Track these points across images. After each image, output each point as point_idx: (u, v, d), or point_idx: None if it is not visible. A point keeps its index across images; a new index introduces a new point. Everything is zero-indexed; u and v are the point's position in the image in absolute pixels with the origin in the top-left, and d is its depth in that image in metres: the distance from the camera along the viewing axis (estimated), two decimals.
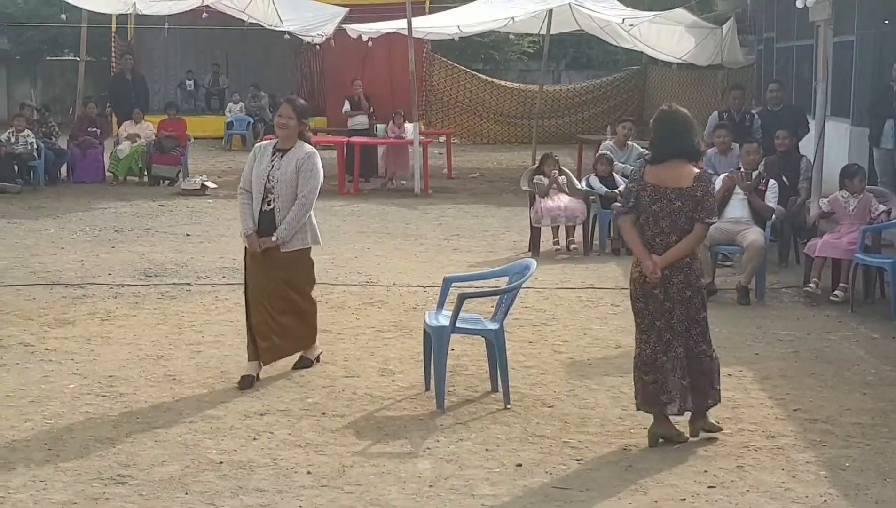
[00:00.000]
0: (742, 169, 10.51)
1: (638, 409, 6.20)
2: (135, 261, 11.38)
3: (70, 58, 31.40)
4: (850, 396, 7.05)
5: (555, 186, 12.27)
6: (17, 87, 31.99)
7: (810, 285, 9.80)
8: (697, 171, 6.09)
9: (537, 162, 12.84)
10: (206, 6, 19.36)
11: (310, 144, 7.42)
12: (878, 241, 10.14)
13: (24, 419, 6.42)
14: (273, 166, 7.22)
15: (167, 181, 17.98)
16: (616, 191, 12.38)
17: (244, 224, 7.25)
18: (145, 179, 18.14)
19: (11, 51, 32.60)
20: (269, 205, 7.21)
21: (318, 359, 7.59)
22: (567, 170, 12.74)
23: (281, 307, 7.26)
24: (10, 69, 32.75)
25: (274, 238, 7.17)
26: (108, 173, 18.24)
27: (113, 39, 26.16)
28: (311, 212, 7.33)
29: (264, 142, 7.49)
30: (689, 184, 5.99)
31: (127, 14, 22.92)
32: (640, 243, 6.05)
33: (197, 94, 28.90)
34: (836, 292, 9.71)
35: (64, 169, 18.23)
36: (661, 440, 6.06)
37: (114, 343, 8.16)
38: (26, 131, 17.28)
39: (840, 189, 10.19)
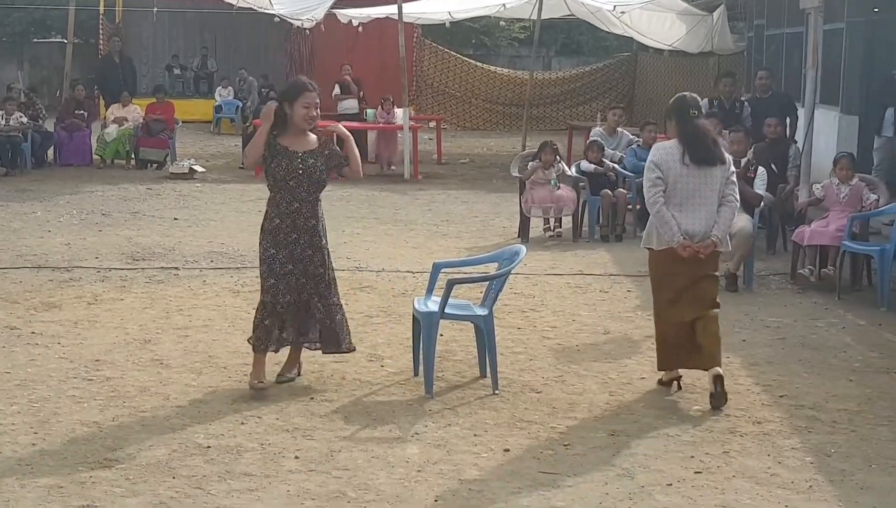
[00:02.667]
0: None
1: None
2: (122, 245, 11.35)
3: (57, 40, 31.22)
4: (836, 382, 7.08)
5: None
6: (3, 69, 31.78)
7: (805, 270, 9.82)
8: None
9: (532, 148, 12.81)
10: None
11: None
12: (866, 229, 10.16)
13: (10, 402, 6.40)
14: None
15: (155, 165, 17.92)
16: (611, 166, 12.49)
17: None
18: (133, 162, 18.08)
19: None
20: None
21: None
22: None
23: None
24: None
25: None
26: (95, 157, 18.17)
27: (101, 22, 26.04)
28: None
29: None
30: None
31: None
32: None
33: (185, 77, 28.78)
34: (825, 270, 9.75)
35: (51, 152, 18.16)
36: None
37: (101, 327, 8.14)
38: (17, 114, 17.23)
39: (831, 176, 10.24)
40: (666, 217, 6.64)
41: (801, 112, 13.10)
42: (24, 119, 17.24)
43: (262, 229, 6.71)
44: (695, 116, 6.73)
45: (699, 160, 6.65)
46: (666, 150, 6.75)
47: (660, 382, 6.96)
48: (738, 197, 6.85)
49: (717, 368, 6.59)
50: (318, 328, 6.77)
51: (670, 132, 6.87)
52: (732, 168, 6.85)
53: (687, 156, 6.65)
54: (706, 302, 6.77)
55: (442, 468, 5.55)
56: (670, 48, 23.46)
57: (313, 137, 6.73)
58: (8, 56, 32.37)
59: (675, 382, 6.90)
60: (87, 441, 5.80)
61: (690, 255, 6.63)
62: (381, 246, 11.63)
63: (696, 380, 7.05)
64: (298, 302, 6.69)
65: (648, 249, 6.89)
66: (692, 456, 5.74)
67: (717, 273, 7.00)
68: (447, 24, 23.80)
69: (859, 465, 5.65)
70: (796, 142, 12.38)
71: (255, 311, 6.79)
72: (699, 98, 6.95)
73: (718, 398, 6.51)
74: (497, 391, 6.73)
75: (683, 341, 6.75)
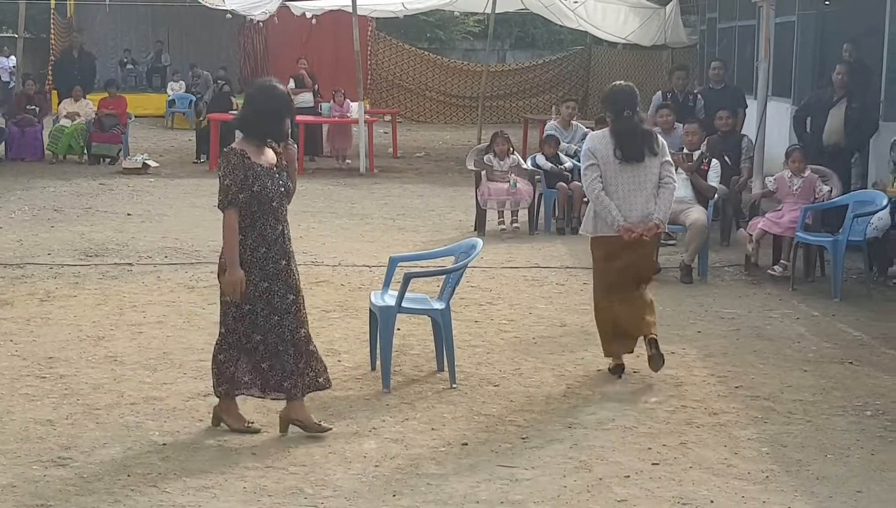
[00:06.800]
0: (685, 149, 10.58)
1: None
2: (75, 241, 11.22)
3: (8, 35, 30.82)
4: (791, 373, 7.14)
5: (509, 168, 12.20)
6: None
7: (777, 267, 9.87)
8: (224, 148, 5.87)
9: (488, 141, 12.79)
10: None
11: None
12: (820, 220, 10.25)
13: None
14: None
15: (108, 160, 17.73)
16: (562, 168, 12.45)
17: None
18: (85, 157, 17.88)
19: None
20: None
21: None
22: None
23: None
24: None
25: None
26: (47, 152, 17.95)
27: (52, 16, 25.73)
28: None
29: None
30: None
31: None
32: None
33: (138, 71, 28.52)
34: (776, 267, 9.84)
35: (1, 147, 17.92)
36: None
37: (54, 324, 8.04)
38: None
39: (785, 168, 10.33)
40: (606, 202, 6.87)
41: (753, 105, 13.19)
42: None
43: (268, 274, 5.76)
44: (629, 115, 6.93)
45: (629, 158, 6.91)
46: (599, 140, 7.03)
47: (610, 370, 7.04)
48: (674, 177, 7.09)
49: (653, 334, 6.87)
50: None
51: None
52: (666, 154, 7.04)
53: (619, 151, 6.91)
54: (643, 282, 7.08)
55: (400, 462, 5.53)
56: (624, 41, 23.54)
57: (270, 151, 5.87)
58: None
59: (621, 366, 7.04)
60: (40, 440, 5.73)
61: (633, 239, 6.85)
62: (337, 240, 11.58)
63: (652, 372, 7.09)
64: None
65: (590, 236, 7.12)
66: (649, 448, 5.76)
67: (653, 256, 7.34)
68: (401, 17, 23.73)
69: (815, 455, 5.71)
70: (745, 135, 12.45)
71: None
72: (635, 91, 7.09)
73: (657, 360, 6.81)
74: (454, 385, 6.73)
75: (624, 326, 6.98)
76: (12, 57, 24.16)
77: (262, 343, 5.79)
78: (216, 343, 5.90)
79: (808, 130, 11.83)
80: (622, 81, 7.27)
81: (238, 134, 5.91)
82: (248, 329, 5.78)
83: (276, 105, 5.82)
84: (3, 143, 17.89)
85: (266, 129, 5.79)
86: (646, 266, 7.13)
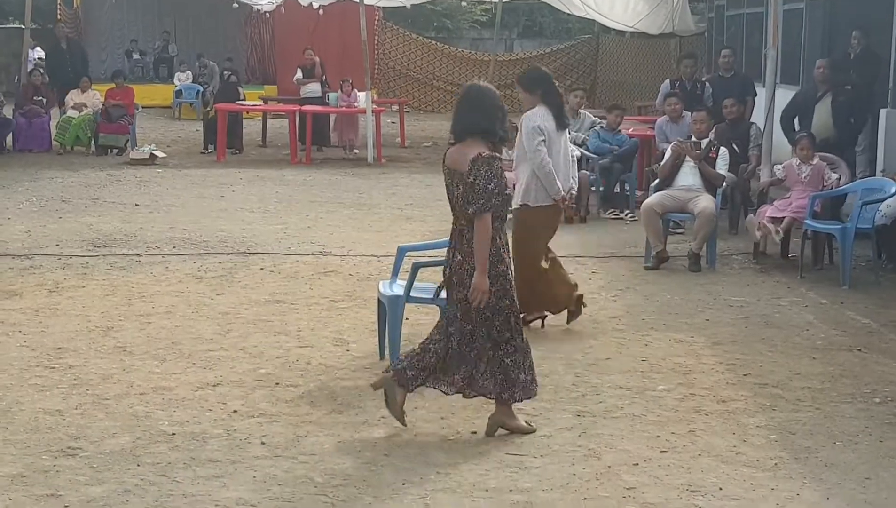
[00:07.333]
0: (693, 137, 10.55)
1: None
2: (83, 231, 11.24)
3: (15, 25, 30.86)
4: (799, 361, 7.14)
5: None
6: None
7: (758, 234, 9.95)
8: (478, 154, 5.50)
9: None
10: None
11: None
12: (829, 208, 10.21)
13: None
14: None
15: (115, 151, 17.75)
16: (577, 152, 12.43)
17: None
18: (93, 148, 17.90)
19: None
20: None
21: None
22: None
23: None
24: None
25: None
26: (54, 143, 17.97)
27: (59, 6, 25.75)
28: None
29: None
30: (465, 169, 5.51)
31: None
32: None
33: (144, 62, 28.53)
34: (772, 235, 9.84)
35: (9, 138, 17.94)
36: None
37: (62, 315, 8.06)
38: None
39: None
40: (553, 174, 7.54)
41: (761, 92, 13.16)
42: None
43: (498, 274, 5.64)
44: (558, 87, 7.73)
45: (562, 126, 7.69)
46: (543, 116, 7.55)
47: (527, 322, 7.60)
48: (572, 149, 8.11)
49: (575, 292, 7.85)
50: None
51: (528, 102, 7.60)
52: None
53: (556, 122, 7.59)
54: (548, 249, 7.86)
55: (409, 451, 5.54)
56: (632, 30, 23.50)
57: None
58: None
59: (542, 320, 7.90)
60: (50, 430, 5.75)
61: (565, 206, 7.82)
62: (345, 230, 11.58)
63: (661, 360, 7.09)
64: None
65: (524, 205, 7.62)
66: (658, 436, 5.76)
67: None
68: (408, 7, 23.69)
69: (823, 442, 5.70)
70: (754, 123, 12.42)
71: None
72: None
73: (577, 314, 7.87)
74: None
75: (543, 287, 7.70)
76: (38, 49, 24.18)
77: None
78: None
79: (795, 130, 11.66)
80: (542, 66, 8.09)
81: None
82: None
83: (501, 105, 5.70)
84: (11, 134, 17.90)
85: (499, 129, 5.63)
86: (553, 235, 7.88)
